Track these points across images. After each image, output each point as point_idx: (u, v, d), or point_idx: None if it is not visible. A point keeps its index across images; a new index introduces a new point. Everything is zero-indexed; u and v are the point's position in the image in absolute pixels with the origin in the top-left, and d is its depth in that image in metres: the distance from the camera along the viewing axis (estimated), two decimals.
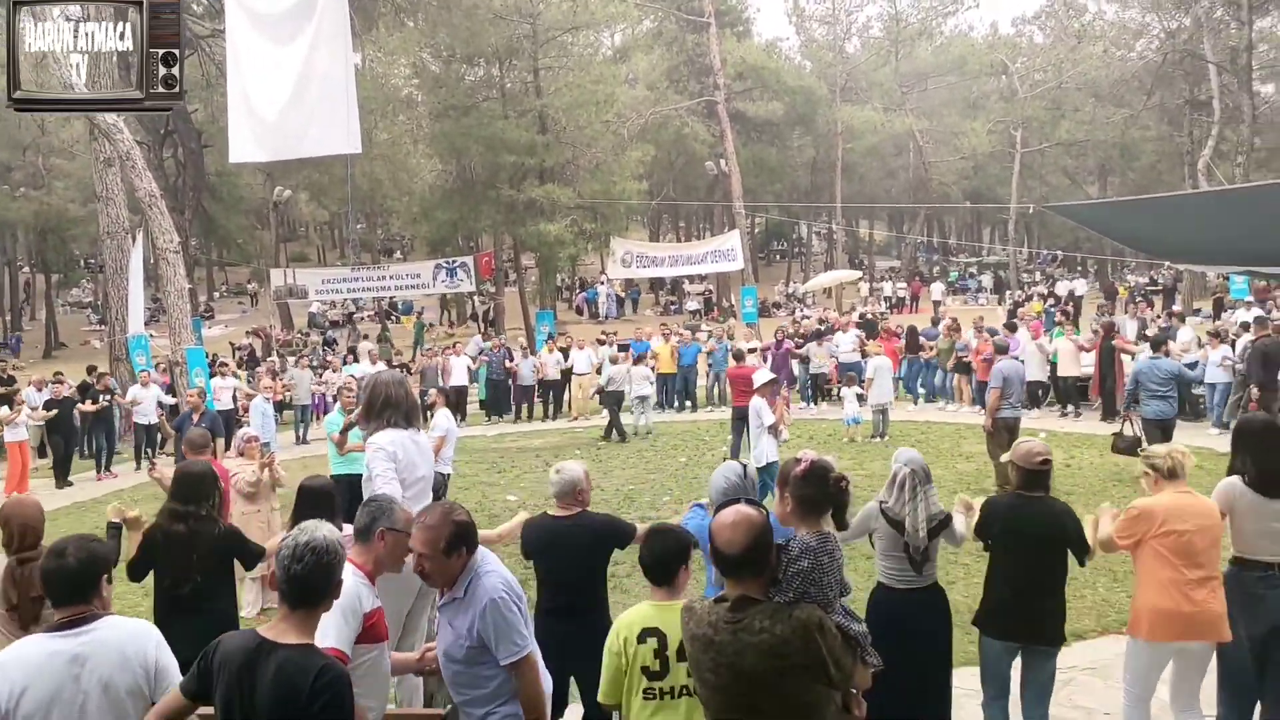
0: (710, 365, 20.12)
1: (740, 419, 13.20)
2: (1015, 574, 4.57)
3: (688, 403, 19.98)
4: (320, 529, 2.98)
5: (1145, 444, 11.00)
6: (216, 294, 52.25)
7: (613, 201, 31.94)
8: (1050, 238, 51.38)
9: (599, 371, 18.87)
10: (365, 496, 4.73)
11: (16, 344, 38.46)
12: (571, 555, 4.59)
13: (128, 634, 3.10)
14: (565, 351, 20.79)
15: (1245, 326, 15.69)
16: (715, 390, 19.84)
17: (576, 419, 19.41)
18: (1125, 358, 15.00)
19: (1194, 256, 15.55)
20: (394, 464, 4.81)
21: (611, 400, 16.97)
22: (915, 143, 44.83)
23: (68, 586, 3.09)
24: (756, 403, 10.22)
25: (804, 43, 49.00)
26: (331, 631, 3.24)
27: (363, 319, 42.70)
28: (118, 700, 3.02)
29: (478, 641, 3.44)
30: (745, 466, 4.65)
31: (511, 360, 20.50)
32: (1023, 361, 13.74)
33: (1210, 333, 15.93)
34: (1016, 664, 4.69)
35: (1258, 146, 33.83)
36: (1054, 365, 16.13)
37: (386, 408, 5.02)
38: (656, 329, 22.10)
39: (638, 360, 18.85)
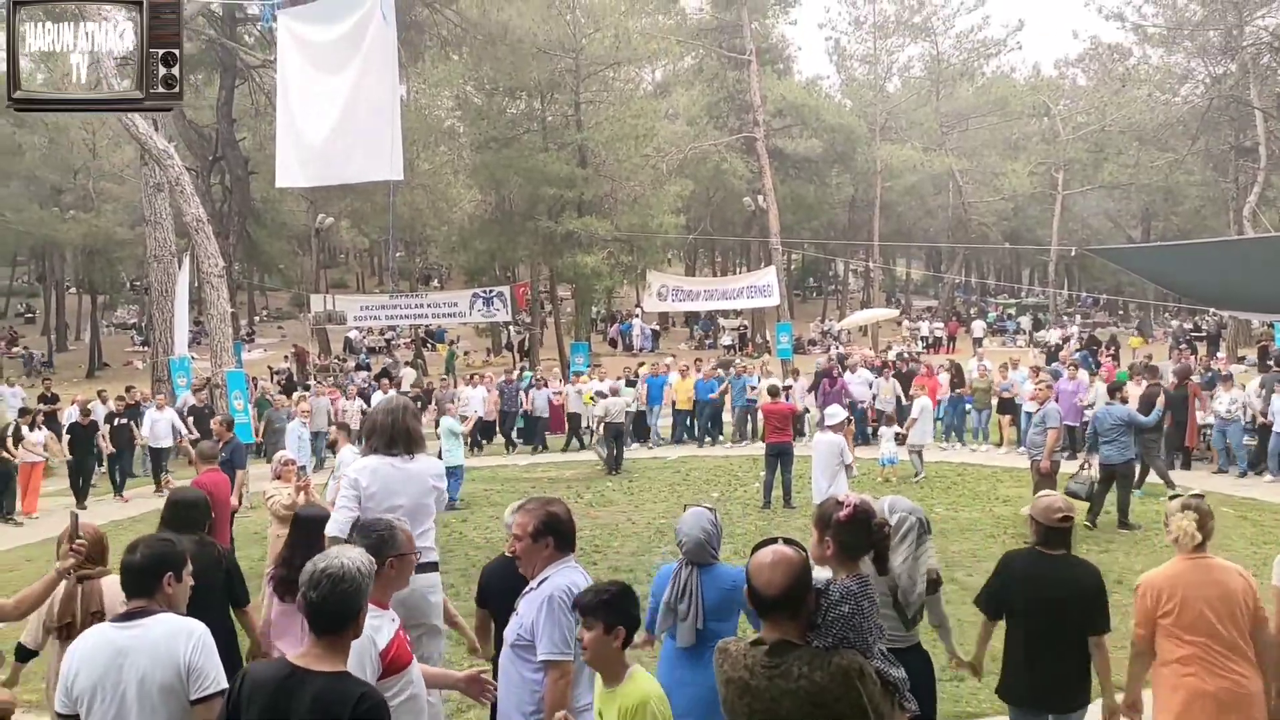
0: (731, 400, 20.00)
1: (775, 455, 13.12)
2: (1032, 636, 4.30)
3: (709, 437, 19.90)
4: (344, 555, 2.95)
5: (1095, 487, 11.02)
6: (257, 318, 52.92)
7: (650, 235, 32.06)
8: (1091, 281, 50.88)
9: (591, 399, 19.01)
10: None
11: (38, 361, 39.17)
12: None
13: (169, 632, 3.18)
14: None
15: None
16: (747, 425, 19.70)
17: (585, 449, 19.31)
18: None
19: (1237, 303, 15.33)
20: (357, 492, 4.77)
21: (611, 433, 16.99)
22: (955, 182, 44.65)
23: (132, 581, 3.30)
24: (837, 440, 10.36)
25: (844, 81, 49.17)
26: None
27: (399, 346, 43.02)
28: (151, 695, 3.12)
29: (529, 634, 3.53)
30: (714, 512, 4.46)
31: (527, 392, 20.58)
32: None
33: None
34: None
35: None
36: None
37: (372, 434, 5.03)
38: (691, 363, 22.08)
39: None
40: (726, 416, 20.31)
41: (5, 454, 14.26)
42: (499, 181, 31.68)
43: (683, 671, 4.17)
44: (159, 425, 16.65)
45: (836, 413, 10.91)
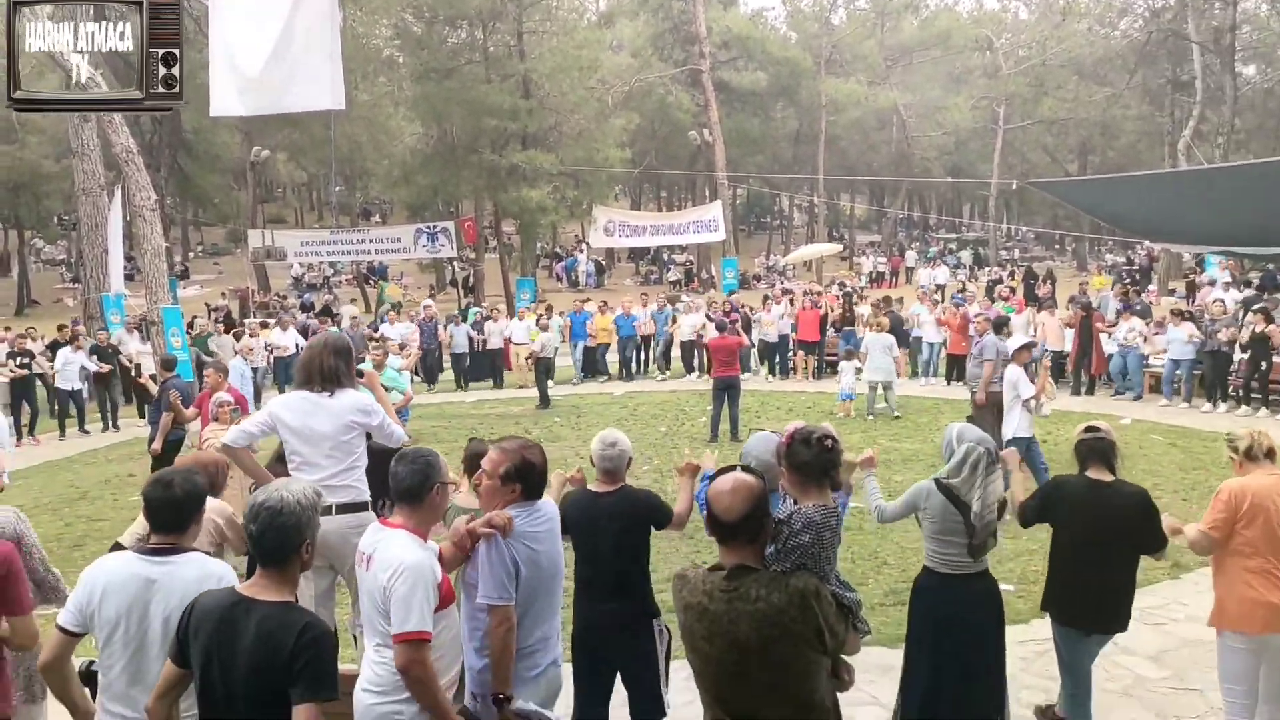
0: (655, 336, 20.36)
1: (722, 389, 13.22)
2: (1080, 558, 4.38)
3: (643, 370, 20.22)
4: (287, 489, 2.94)
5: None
6: (192, 254, 51.60)
7: (595, 169, 31.73)
8: (1029, 215, 51.59)
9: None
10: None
11: None
12: (616, 533, 4.32)
13: (199, 574, 3.13)
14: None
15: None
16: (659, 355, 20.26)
17: (521, 386, 19.28)
18: (1103, 336, 15.64)
19: (1172, 236, 15.77)
20: (270, 420, 4.81)
21: (542, 368, 17.08)
22: (899, 117, 44.75)
23: (167, 514, 3.22)
24: (1013, 373, 9.28)
25: (790, 13, 48.70)
26: (415, 614, 3.14)
27: (339, 284, 42.32)
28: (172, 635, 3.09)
29: (474, 577, 3.59)
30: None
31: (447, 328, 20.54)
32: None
33: (1174, 310, 16.23)
34: None
35: (1238, 128, 34.01)
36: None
37: (298, 370, 5.05)
38: (636, 298, 22.07)
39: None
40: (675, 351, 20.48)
41: None
42: (440, 114, 31.02)
43: None
44: (70, 367, 16.07)
45: (1018, 339, 10.36)
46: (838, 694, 2.86)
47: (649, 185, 56.97)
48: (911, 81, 46.06)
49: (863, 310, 19.75)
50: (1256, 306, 15.27)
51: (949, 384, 17.04)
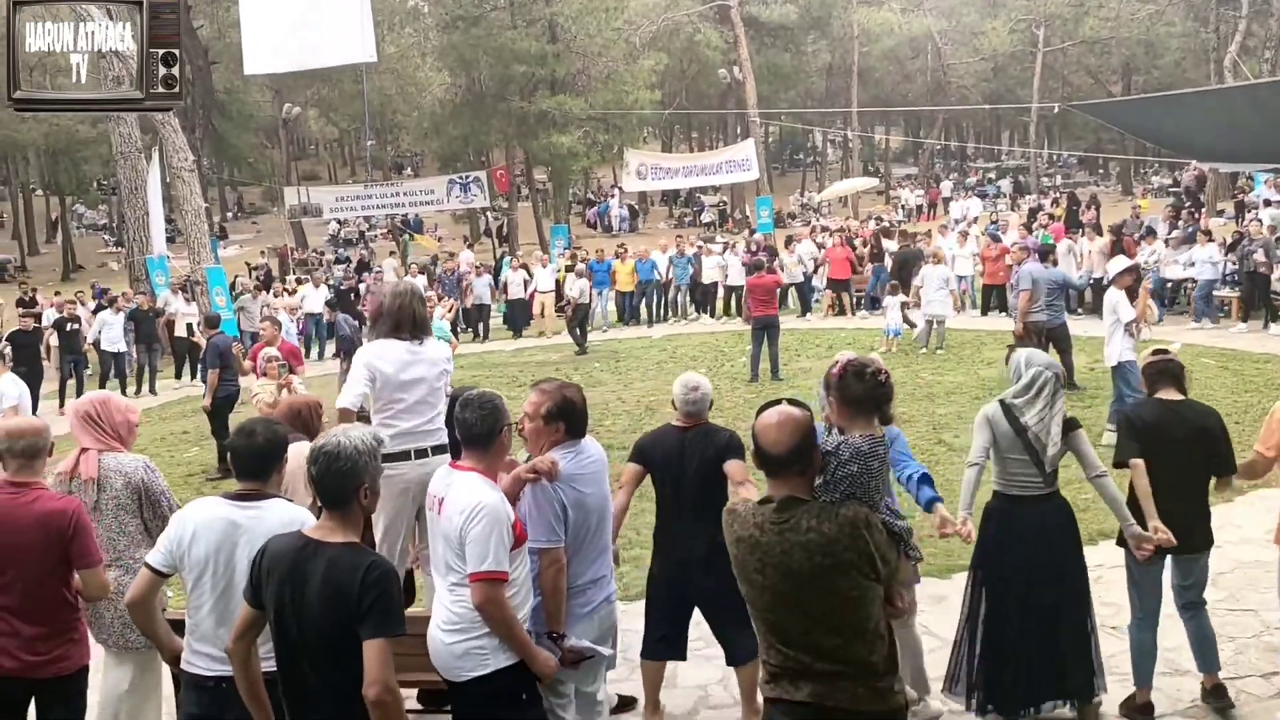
0: (673, 278, 20.40)
1: (761, 329, 13.20)
2: (1159, 482, 4.33)
3: (664, 317, 20.24)
4: (346, 434, 2.99)
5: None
6: (230, 214, 52.06)
7: (625, 112, 31.44)
8: (1072, 140, 50.42)
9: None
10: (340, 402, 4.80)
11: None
12: (698, 465, 4.42)
13: (284, 519, 3.23)
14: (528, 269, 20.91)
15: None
16: (680, 300, 20.40)
17: (543, 335, 19.43)
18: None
19: (1220, 155, 15.36)
20: (371, 372, 4.77)
21: (579, 315, 17.16)
22: (933, 44, 43.74)
23: (252, 463, 3.33)
24: (1113, 296, 9.00)
25: None
26: (492, 554, 3.20)
27: (374, 238, 42.49)
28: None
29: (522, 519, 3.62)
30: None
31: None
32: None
33: (1203, 231, 15.97)
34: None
35: None
36: None
37: (378, 319, 5.04)
38: (671, 241, 21.99)
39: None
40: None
41: None
42: (468, 62, 30.86)
43: None
44: (112, 329, 16.24)
45: (1119, 263, 9.95)
46: (892, 621, 2.90)
47: (680, 126, 56.31)
48: (946, 6, 44.95)
49: (890, 245, 19.53)
50: None
51: (984, 315, 16.85)
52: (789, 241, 21.32)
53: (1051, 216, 22.66)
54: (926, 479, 4.23)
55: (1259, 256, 13.81)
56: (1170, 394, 4.50)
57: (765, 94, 39.11)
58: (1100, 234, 17.16)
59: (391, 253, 33.79)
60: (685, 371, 4.76)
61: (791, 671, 2.75)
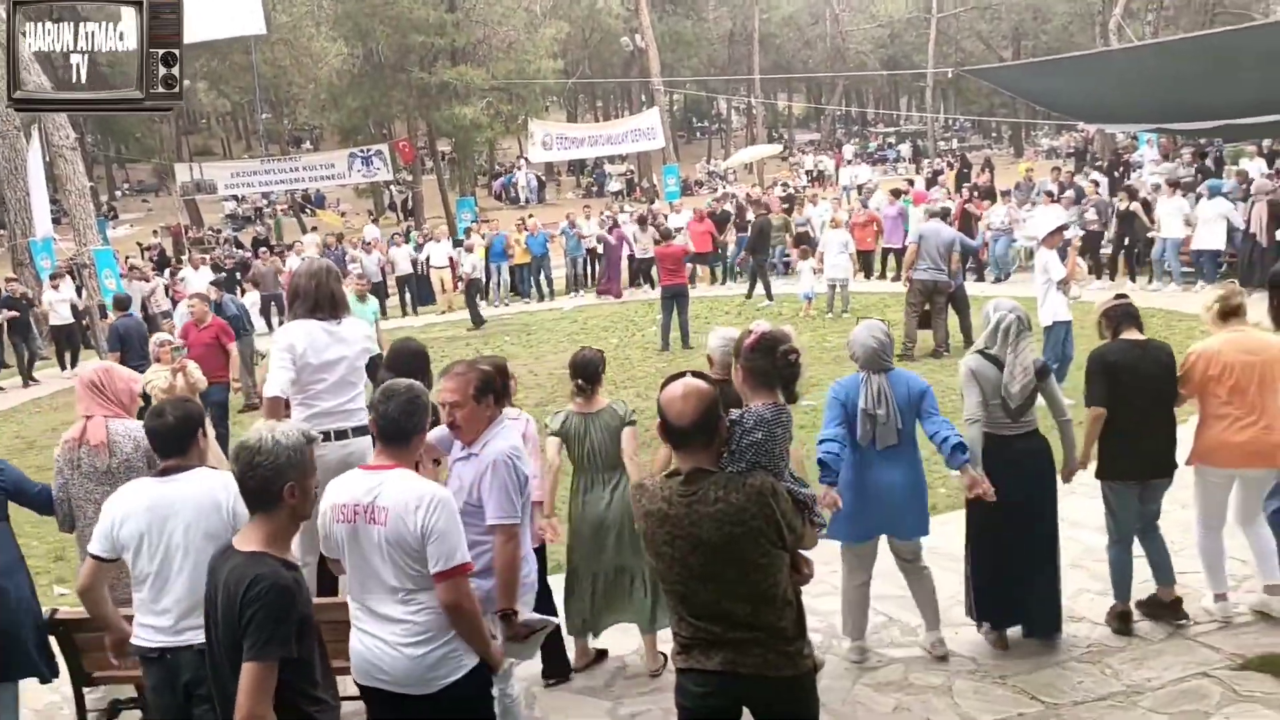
0: (565, 252, 20.41)
1: (670, 298, 13.26)
2: (1131, 417, 4.71)
3: (548, 290, 20.11)
4: (275, 429, 2.80)
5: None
6: (119, 193, 49.94)
7: (528, 82, 31.09)
8: (966, 104, 51.64)
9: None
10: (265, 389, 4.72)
11: None
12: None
13: (207, 484, 3.35)
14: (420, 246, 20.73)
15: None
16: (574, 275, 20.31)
17: (445, 312, 19.27)
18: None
19: (1106, 116, 15.97)
20: (291, 354, 4.65)
21: (474, 289, 17.33)
22: (831, 11, 44.25)
23: (169, 441, 3.46)
24: (1044, 256, 9.01)
25: None
26: (460, 546, 3.08)
27: (273, 214, 41.27)
28: (196, 541, 3.27)
29: (477, 499, 3.58)
30: (887, 325, 4.71)
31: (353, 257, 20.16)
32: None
33: (1046, 193, 16.79)
34: None
35: (1166, 4, 34.12)
36: None
37: (295, 299, 4.91)
38: (579, 211, 21.86)
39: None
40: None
41: None
42: (365, 32, 30.08)
43: (888, 469, 4.55)
44: (60, 304, 16.26)
45: (1051, 221, 10.31)
46: (799, 587, 2.98)
47: (584, 96, 55.93)
48: None
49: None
50: (1124, 185, 15.97)
51: (868, 279, 17.33)
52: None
53: (909, 182, 22.52)
54: (961, 447, 4.47)
55: (1090, 215, 14.47)
56: (1133, 334, 4.86)
57: (668, 62, 39.12)
58: (994, 198, 17.70)
59: (313, 228, 32.85)
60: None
61: (703, 642, 2.82)
